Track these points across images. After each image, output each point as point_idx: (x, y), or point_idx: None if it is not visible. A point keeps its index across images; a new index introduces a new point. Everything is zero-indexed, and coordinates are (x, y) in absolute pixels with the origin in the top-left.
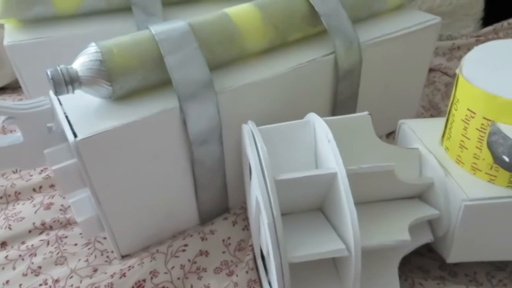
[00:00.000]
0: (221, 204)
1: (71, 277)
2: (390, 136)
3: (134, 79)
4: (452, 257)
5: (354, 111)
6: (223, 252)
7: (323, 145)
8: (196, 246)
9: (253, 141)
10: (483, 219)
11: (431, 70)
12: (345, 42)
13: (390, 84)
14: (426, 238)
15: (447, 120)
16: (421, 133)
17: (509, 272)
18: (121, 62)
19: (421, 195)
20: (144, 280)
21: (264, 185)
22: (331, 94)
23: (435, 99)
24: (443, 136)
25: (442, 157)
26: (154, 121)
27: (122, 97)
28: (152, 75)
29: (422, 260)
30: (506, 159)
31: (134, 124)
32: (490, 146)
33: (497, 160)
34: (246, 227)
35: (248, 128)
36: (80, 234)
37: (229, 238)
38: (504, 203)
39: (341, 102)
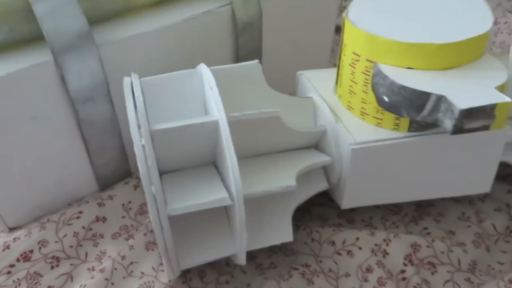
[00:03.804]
0: (121, 167)
1: None
2: None
3: None
4: (346, 203)
5: None
6: (123, 217)
7: (208, 94)
8: (92, 213)
9: (131, 91)
10: (371, 162)
11: (340, 29)
12: None
13: (296, 41)
14: (321, 186)
15: (338, 67)
16: (317, 82)
17: (403, 215)
18: None
19: (317, 145)
20: (31, 251)
21: (138, 135)
22: (232, 49)
23: None
24: (336, 83)
25: (335, 104)
26: (24, 78)
27: None
28: (20, 26)
29: (322, 209)
30: (386, 99)
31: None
32: (373, 88)
33: (379, 101)
34: None
35: (128, 80)
36: None
37: (129, 202)
38: (389, 145)
39: (244, 58)
